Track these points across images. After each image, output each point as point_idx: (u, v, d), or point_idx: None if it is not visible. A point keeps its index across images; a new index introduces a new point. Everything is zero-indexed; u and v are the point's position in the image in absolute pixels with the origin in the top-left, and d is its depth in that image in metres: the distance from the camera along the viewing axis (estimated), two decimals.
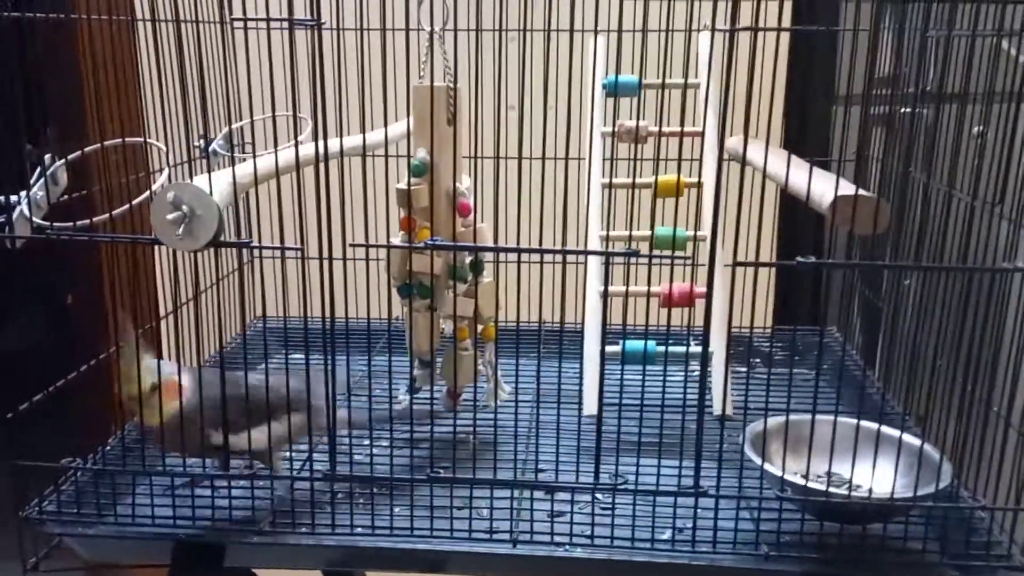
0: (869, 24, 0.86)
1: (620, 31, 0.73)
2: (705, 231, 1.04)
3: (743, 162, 0.78)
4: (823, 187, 0.77)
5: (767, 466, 0.79)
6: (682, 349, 0.96)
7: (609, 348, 0.93)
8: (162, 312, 0.95)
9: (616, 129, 0.99)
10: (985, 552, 0.76)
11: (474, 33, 0.72)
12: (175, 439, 0.80)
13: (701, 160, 0.75)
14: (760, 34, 0.68)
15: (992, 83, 0.74)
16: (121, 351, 0.78)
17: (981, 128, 0.82)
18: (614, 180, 1.01)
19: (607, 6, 0.71)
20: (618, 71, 0.76)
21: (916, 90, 0.81)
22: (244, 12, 0.72)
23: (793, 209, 1.44)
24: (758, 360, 1.16)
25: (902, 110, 0.95)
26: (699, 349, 0.78)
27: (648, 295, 0.79)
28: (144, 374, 0.78)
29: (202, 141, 1.07)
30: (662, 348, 0.95)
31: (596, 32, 1.08)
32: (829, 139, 1.35)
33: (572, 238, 0.85)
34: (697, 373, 1.10)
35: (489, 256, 0.96)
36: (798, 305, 1.43)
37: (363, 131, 0.78)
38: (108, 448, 0.90)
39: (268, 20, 0.70)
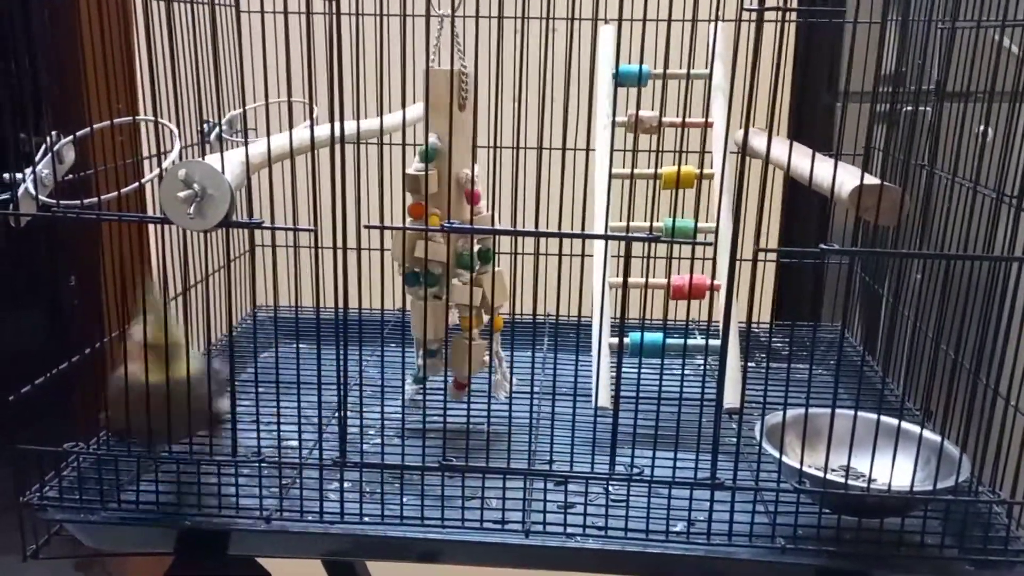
0: (879, 15, 0.85)
1: (644, 20, 0.72)
2: (713, 223, 1.03)
3: (766, 157, 0.77)
4: (845, 178, 0.77)
5: (785, 459, 0.78)
6: (696, 342, 0.95)
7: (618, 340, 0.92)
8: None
9: (630, 119, 0.98)
10: (1003, 547, 0.75)
11: (493, 20, 0.71)
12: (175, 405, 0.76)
13: (725, 150, 0.74)
14: (764, 26, 0.67)
15: (1016, 81, 0.74)
16: (148, 295, 0.76)
17: (984, 128, 0.81)
18: (623, 171, 1.00)
19: None
20: (641, 61, 0.75)
21: (941, 86, 0.81)
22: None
23: (793, 208, 1.44)
24: (763, 355, 1.15)
25: (920, 108, 0.95)
26: (715, 342, 0.77)
27: (668, 286, 0.78)
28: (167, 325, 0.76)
29: (206, 126, 1.06)
30: (673, 340, 0.94)
31: (607, 20, 1.07)
32: (833, 133, 1.35)
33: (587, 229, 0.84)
34: (710, 367, 1.09)
35: (499, 247, 0.95)
36: (796, 301, 1.43)
37: (380, 115, 0.76)
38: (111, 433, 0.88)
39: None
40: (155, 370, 0.76)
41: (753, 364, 1.14)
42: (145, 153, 0.92)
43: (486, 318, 0.96)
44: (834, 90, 1.40)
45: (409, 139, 0.99)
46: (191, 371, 0.78)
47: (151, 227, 0.79)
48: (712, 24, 1.05)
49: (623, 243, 0.73)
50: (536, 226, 0.74)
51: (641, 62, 0.74)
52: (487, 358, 0.97)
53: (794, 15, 1.08)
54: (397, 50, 0.72)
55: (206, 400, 0.78)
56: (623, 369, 0.80)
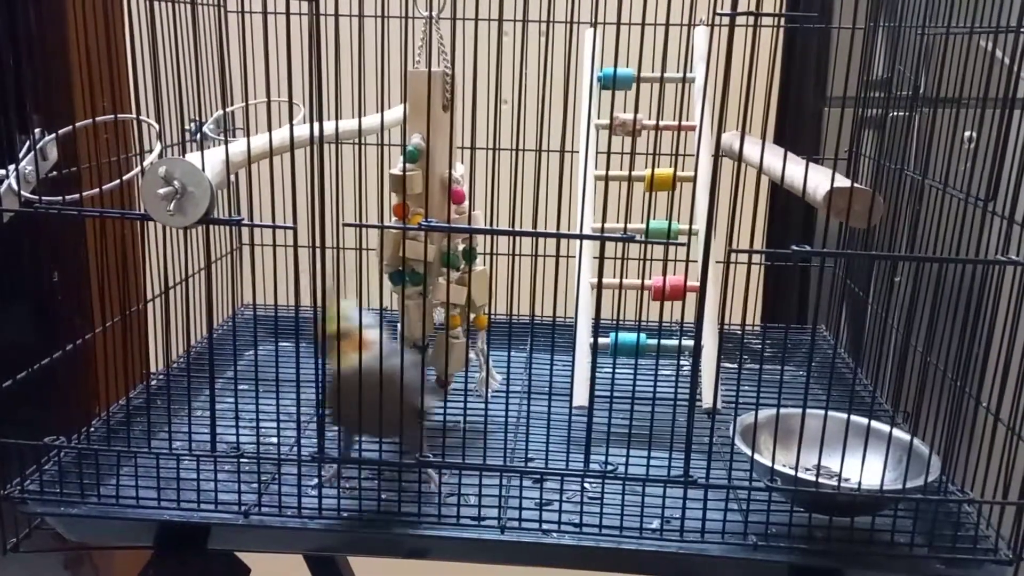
0: (864, 21, 0.87)
1: (630, 23, 0.72)
2: (697, 225, 1.04)
3: (740, 157, 0.78)
4: (818, 180, 0.77)
5: (757, 456, 0.79)
6: (673, 342, 0.96)
7: (600, 340, 0.93)
8: (149, 294, 0.95)
9: (611, 121, 0.99)
10: (972, 546, 0.76)
11: (471, 22, 0.72)
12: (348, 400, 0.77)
13: (697, 153, 0.75)
14: (746, 31, 0.68)
15: (987, 86, 0.75)
16: (327, 288, 0.76)
17: (972, 134, 0.82)
18: (607, 172, 1.01)
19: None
20: (616, 64, 0.76)
21: (914, 92, 0.82)
22: None
23: (779, 211, 1.45)
24: (746, 357, 1.16)
25: (895, 114, 0.96)
26: (690, 342, 0.78)
27: (641, 287, 0.79)
28: (332, 317, 0.77)
29: (192, 124, 1.07)
30: (652, 341, 0.95)
31: (592, 24, 1.08)
32: (820, 138, 1.36)
33: (565, 230, 0.84)
34: (686, 368, 1.10)
35: (482, 247, 0.96)
36: (784, 303, 1.44)
37: (359, 115, 0.77)
38: (93, 428, 0.89)
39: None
40: (345, 359, 0.77)
41: (732, 365, 1.15)
42: (130, 152, 0.93)
43: (469, 317, 0.97)
44: (821, 95, 1.41)
45: (393, 140, 1.00)
46: (388, 361, 0.77)
47: (137, 224, 0.80)
48: (690, 27, 1.06)
49: (607, 244, 0.74)
50: (514, 226, 0.75)
51: (616, 65, 0.75)
52: (473, 356, 0.98)
53: (772, 19, 1.09)
54: (379, 52, 0.73)
55: (409, 392, 0.78)
56: (601, 369, 0.81)
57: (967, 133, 0.83)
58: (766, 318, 1.37)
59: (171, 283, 0.89)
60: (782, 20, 1.12)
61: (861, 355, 1.09)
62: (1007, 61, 0.73)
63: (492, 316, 0.84)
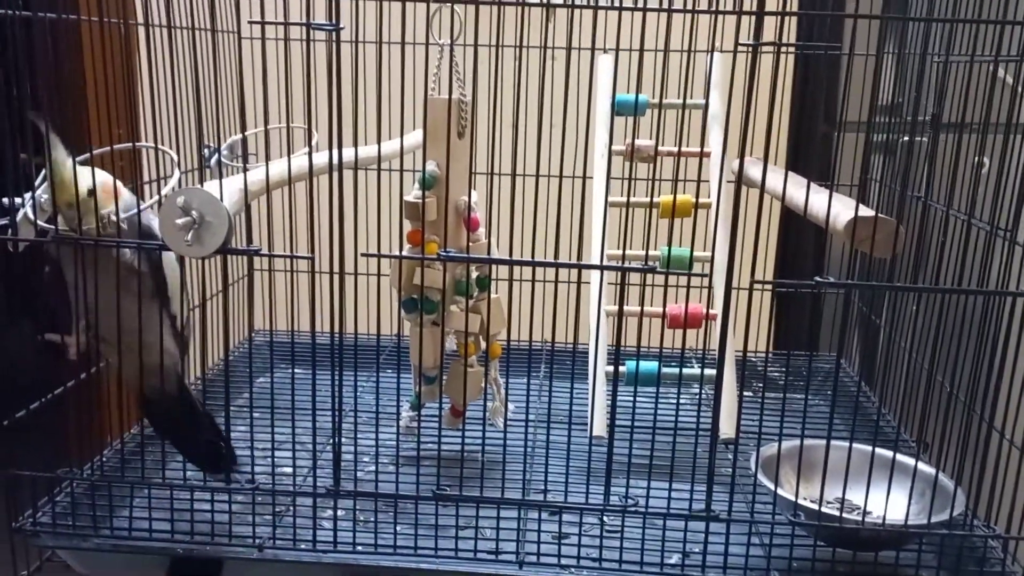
0: (875, 48, 0.86)
1: (642, 50, 0.72)
2: (709, 252, 1.03)
3: (762, 187, 0.78)
4: (840, 209, 0.77)
5: (780, 491, 0.78)
6: (692, 371, 0.95)
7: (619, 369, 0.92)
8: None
9: (629, 148, 0.98)
10: None
11: (491, 48, 0.71)
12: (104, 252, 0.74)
13: (721, 180, 0.75)
14: (764, 57, 0.68)
15: (1010, 114, 0.74)
16: (52, 159, 0.72)
17: (980, 159, 0.81)
18: (620, 199, 1.00)
19: (625, 25, 0.72)
20: (639, 90, 0.76)
21: (933, 118, 0.81)
22: (263, 16, 0.71)
23: (790, 240, 1.45)
24: (760, 385, 1.15)
25: (916, 139, 0.95)
26: (711, 371, 0.77)
27: (664, 315, 0.78)
28: (79, 178, 0.74)
29: (206, 151, 1.06)
30: (669, 369, 0.94)
31: (611, 51, 1.07)
32: (831, 164, 1.35)
33: (584, 258, 0.84)
34: (705, 396, 1.09)
35: (498, 275, 0.95)
36: (793, 332, 1.43)
37: (378, 142, 0.77)
38: (105, 458, 0.88)
39: (287, 25, 0.70)
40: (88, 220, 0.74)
41: (751, 394, 1.14)
42: (145, 179, 0.92)
43: (483, 345, 0.96)
44: (831, 120, 1.41)
45: (408, 166, 0.99)
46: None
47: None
48: (709, 54, 1.06)
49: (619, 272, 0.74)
50: (532, 253, 0.74)
51: (638, 91, 0.75)
52: (484, 385, 0.97)
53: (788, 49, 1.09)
54: (397, 78, 0.73)
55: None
56: (619, 398, 0.80)
57: (978, 159, 0.82)
58: (777, 345, 1.36)
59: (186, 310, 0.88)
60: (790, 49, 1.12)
61: (875, 385, 1.08)
62: (1020, 89, 0.73)
63: (508, 343, 0.83)
